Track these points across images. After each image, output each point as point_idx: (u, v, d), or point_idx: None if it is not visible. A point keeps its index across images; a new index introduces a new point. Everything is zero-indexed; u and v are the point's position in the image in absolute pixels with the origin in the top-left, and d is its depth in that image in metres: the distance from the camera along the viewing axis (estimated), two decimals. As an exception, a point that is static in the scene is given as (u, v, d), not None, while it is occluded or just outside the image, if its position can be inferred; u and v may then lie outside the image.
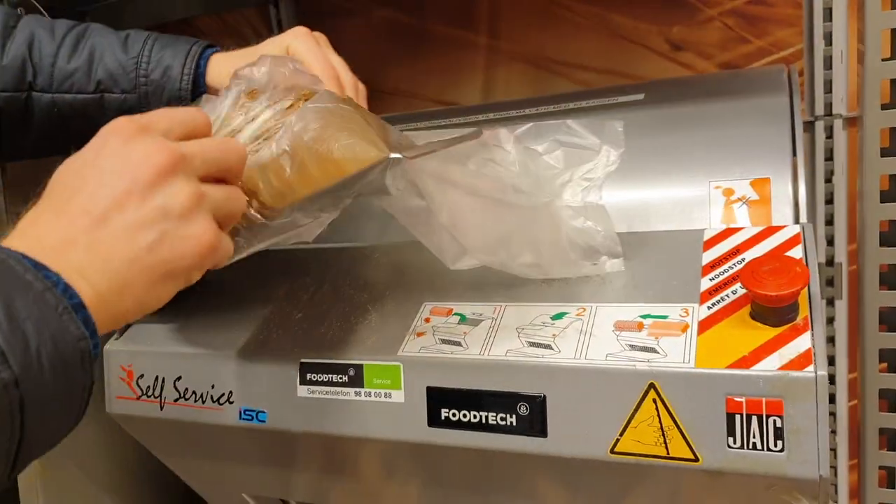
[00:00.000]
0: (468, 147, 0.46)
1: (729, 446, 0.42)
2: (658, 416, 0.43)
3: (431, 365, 0.49)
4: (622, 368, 0.44)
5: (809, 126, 0.74)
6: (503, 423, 0.47)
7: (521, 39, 1.07)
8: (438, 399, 0.49)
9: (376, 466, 0.57)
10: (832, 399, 0.78)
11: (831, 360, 0.77)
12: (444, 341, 0.50)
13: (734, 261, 0.48)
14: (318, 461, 0.60)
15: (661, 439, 0.43)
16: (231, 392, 0.57)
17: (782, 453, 0.40)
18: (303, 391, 0.54)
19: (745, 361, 0.42)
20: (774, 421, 0.41)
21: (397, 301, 0.55)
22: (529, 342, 0.48)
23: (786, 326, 0.43)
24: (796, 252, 0.47)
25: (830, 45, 0.72)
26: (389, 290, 0.57)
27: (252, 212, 0.44)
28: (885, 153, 0.67)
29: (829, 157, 0.74)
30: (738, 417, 0.41)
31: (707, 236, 0.51)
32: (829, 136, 0.74)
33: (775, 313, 0.43)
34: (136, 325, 0.65)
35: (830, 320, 0.77)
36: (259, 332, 0.58)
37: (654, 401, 0.43)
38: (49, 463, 0.79)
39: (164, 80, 0.56)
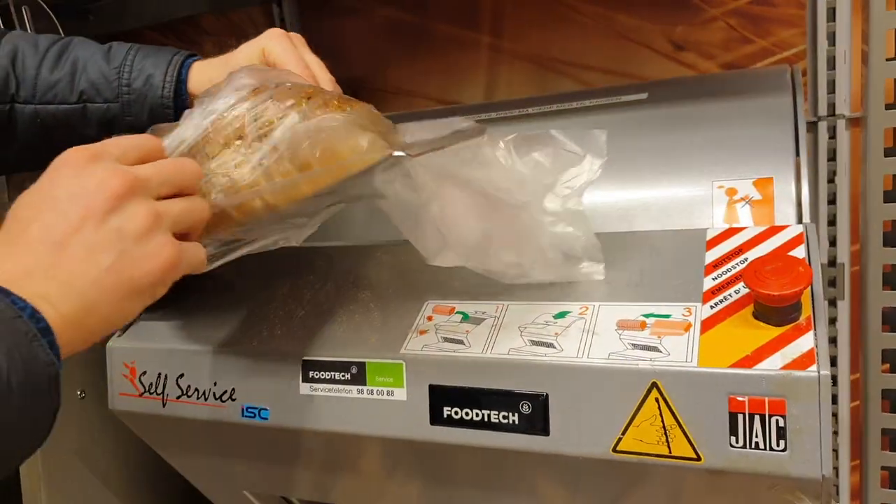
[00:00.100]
0: (468, 143, 0.46)
1: (731, 446, 0.42)
2: (660, 415, 0.43)
3: (434, 363, 0.49)
4: (625, 367, 0.44)
5: (812, 126, 0.74)
6: (505, 421, 0.47)
7: (524, 39, 1.07)
8: (440, 397, 0.49)
9: (378, 464, 0.57)
10: (834, 400, 0.78)
11: (833, 361, 0.77)
12: (446, 339, 0.50)
13: (737, 260, 0.48)
14: (319, 459, 0.60)
15: (664, 438, 0.43)
16: (233, 389, 0.57)
17: (785, 453, 0.40)
18: (305, 389, 0.54)
19: (748, 361, 0.42)
20: (777, 420, 0.41)
21: (400, 299, 0.55)
22: (532, 341, 0.48)
23: (788, 326, 0.43)
24: (799, 252, 0.47)
25: (834, 45, 0.72)
26: (392, 288, 0.57)
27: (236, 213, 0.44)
28: (888, 153, 0.67)
29: (832, 157, 0.75)
30: (740, 417, 0.41)
31: (710, 236, 0.51)
32: (832, 136, 0.74)
33: (778, 313, 0.43)
34: (138, 323, 0.65)
35: (833, 321, 0.77)
36: (262, 330, 0.58)
37: (657, 400, 0.43)
38: (52, 458, 0.79)
39: (147, 88, 0.57)
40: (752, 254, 0.49)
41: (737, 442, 0.42)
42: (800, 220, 0.51)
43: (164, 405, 0.60)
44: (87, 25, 1.11)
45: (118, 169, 0.37)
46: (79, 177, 0.37)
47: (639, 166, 0.59)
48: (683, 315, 0.46)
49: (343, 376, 0.52)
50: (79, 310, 0.35)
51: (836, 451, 0.80)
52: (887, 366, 0.71)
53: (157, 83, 0.56)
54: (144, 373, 0.61)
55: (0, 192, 0.79)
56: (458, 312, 0.52)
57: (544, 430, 0.46)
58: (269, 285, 0.63)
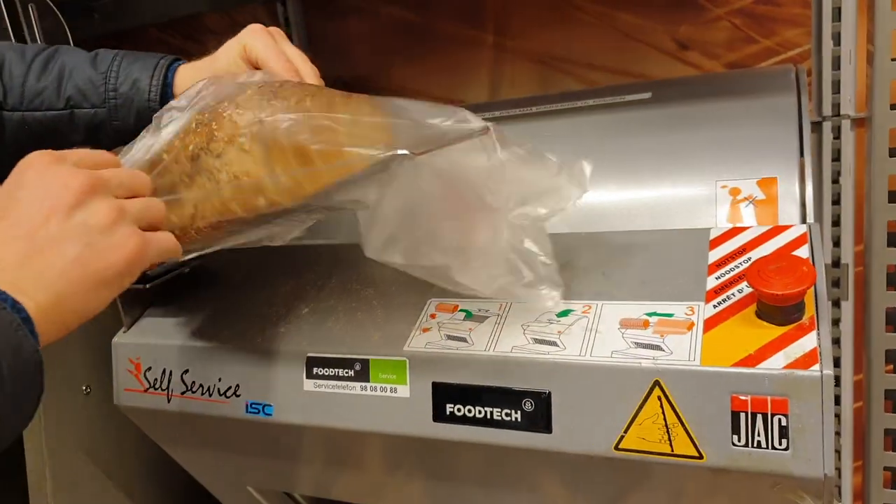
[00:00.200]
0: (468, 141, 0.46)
1: (733, 444, 0.42)
2: (663, 413, 0.43)
3: (437, 360, 0.50)
4: (627, 366, 0.44)
5: (817, 126, 0.74)
6: (508, 418, 0.47)
7: (529, 38, 1.07)
8: (443, 394, 0.49)
9: (381, 461, 0.57)
10: (837, 401, 0.78)
11: (836, 362, 0.77)
12: (449, 337, 0.50)
13: (740, 260, 0.49)
14: (323, 455, 0.60)
15: (666, 436, 0.43)
16: (238, 385, 0.57)
17: (787, 452, 0.41)
18: (309, 385, 0.54)
19: (751, 360, 0.42)
20: (779, 419, 0.41)
21: (403, 297, 0.55)
22: (535, 339, 0.48)
23: (791, 325, 0.43)
24: (803, 251, 0.47)
25: (839, 45, 0.72)
26: (396, 285, 0.57)
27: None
28: (893, 154, 0.67)
29: (837, 157, 0.74)
30: (742, 416, 0.42)
31: (713, 235, 0.52)
32: (837, 136, 0.74)
33: (781, 312, 0.43)
34: (144, 319, 0.65)
35: (836, 322, 0.77)
36: (266, 327, 0.58)
37: (659, 398, 0.43)
38: (57, 453, 0.79)
39: (133, 92, 0.57)
40: (756, 253, 0.49)
41: (739, 441, 0.42)
42: (804, 221, 0.51)
43: (168, 401, 0.61)
44: (92, 24, 1.11)
45: (80, 170, 0.39)
46: (43, 177, 0.38)
47: (642, 166, 0.59)
48: (686, 314, 0.46)
49: (347, 373, 0.53)
50: (51, 300, 0.36)
51: (839, 451, 0.80)
52: (891, 366, 0.71)
53: (143, 87, 0.57)
54: (149, 368, 0.62)
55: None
56: (461, 310, 0.52)
57: (547, 428, 0.46)
58: (273, 283, 0.63)
